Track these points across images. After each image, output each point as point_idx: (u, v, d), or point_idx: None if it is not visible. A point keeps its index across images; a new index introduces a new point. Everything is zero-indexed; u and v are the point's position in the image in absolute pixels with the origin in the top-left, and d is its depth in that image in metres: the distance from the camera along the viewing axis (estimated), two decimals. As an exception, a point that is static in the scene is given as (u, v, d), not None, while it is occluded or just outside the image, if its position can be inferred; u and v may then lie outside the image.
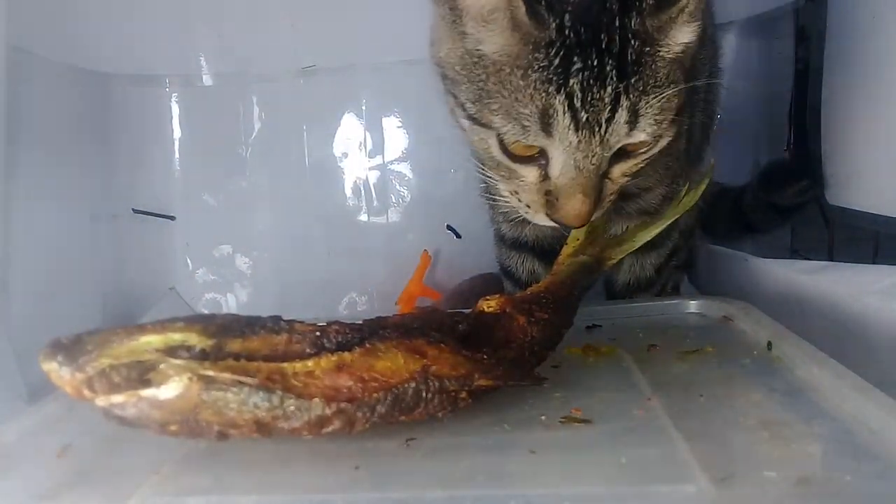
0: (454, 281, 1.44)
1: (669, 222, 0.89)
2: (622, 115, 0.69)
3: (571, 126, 0.69)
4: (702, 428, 0.59)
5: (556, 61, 0.68)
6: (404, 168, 1.50)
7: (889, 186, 0.94)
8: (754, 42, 1.40)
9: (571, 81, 0.67)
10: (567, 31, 0.68)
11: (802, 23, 1.22)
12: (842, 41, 1.02)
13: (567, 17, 0.68)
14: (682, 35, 0.71)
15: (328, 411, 0.55)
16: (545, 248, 1.10)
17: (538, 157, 0.73)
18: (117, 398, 0.54)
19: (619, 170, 0.75)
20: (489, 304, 0.69)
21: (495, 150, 0.75)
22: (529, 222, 1.06)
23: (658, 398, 0.64)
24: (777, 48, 1.31)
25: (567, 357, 0.75)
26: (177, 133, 1.46)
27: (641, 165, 0.76)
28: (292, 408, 0.54)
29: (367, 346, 0.57)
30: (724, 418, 0.61)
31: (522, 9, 0.67)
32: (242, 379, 0.54)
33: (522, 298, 0.71)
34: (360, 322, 0.62)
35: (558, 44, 0.68)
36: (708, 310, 0.90)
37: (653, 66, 0.70)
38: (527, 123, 0.70)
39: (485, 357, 0.61)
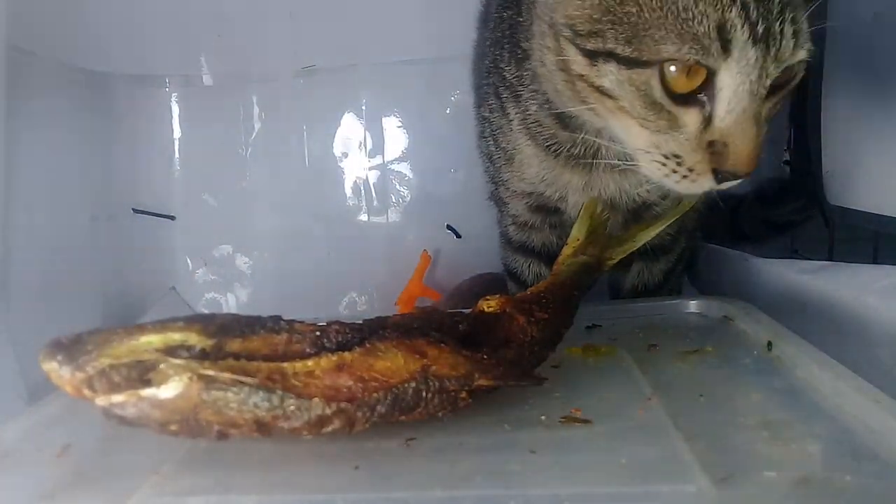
0: (454, 281, 1.44)
1: (669, 222, 0.89)
2: (789, 27, 0.66)
3: (750, 39, 0.64)
4: (702, 428, 0.59)
5: None
6: (404, 168, 1.50)
7: (889, 186, 0.94)
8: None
9: None
10: None
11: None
12: (842, 41, 1.02)
13: None
14: None
15: (328, 411, 0.55)
16: (552, 253, 1.09)
17: (699, 97, 0.67)
18: (117, 398, 0.54)
19: (767, 108, 0.70)
20: (489, 304, 0.69)
21: (657, 91, 0.68)
22: (537, 229, 1.06)
23: (658, 398, 0.64)
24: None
25: (567, 357, 0.75)
26: (177, 133, 1.47)
27: (780, 106, 0.72)
28: (292, 407, 0.54)
29: (367, 345, 0.57)
30: (724, 418, 0.61)
31: None
32: (242, 379, 0.54)
33: (522, 298, 0.71)
34: (360, 322, 0.62)
35: None
36: (708, 310, 0.90)
37: None
38: (706, 41, 0.64)
39: (485, 357, 0.61)
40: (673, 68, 0.67)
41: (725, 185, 0.71)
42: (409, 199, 1.51)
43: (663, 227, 0.89)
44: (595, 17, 0.70)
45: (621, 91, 0.70)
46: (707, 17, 0.64)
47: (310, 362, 0.56)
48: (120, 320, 1.23)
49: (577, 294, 0.77)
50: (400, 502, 0.52)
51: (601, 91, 0.72)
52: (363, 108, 1.48)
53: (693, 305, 0.91)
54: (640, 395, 0.66)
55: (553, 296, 0.73)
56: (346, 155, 1.49)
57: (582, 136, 0.86)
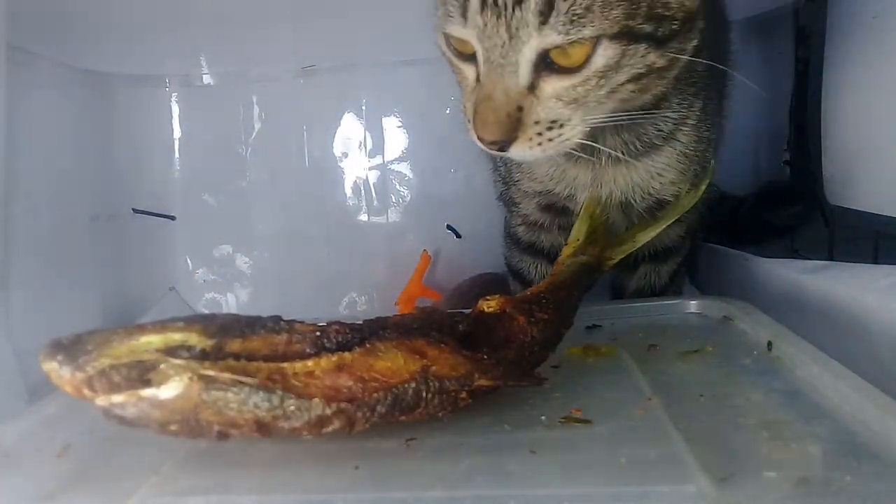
0: (454, 281, 1.44)
1: (669, 223, 0.89)
2: (531, 2, 0.66)
3: (479, 7, 0.68)
4: (702, 428, 0.59)
5: None
6: (404, 168, 1.50)
7: (889, 186, 0.94)
8: (754, 42, 1.40)
9: None
10: None
11: (802, 23, 1.22)
12: (842, 41, 1.02)
13: None
14: None
15: (328, 411, 0.55)
16: (558, 255, 1.09)
17: (474, 55, 0.72)
18: (117, 398, 0.54)
19: (551, 87, 0.70)
20: (489, 305, 0.69)
21: (444, 46, 0.76)
22: (546, 229, 1.06)
23: (658, 398, 0.64)
24: (777, 48, 1.31)
25: (567, 357, 0.75)
26: (177, 133, 1.47)
27: (578, 91, 0.70)
28: (292, 408, 0.54)
29: (367, 346, 0.57)
30: (725, 418, 0.61)
31: None
32: (242, 379, 0.54)
33: (522, 299, 0.71)
34: (360, 322, 0.62)
35: None
36: (708, 310, 0.89)
37: None
38: (451, 9, 0.71)
39: (485, 357, 0.61)
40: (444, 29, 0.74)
41: (484, 147, 0.74)
42: (409, 199, 1.50)
43: (663, 227, 0.89)
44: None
45: (439, 40, 0.78)
46: None
47: (310, 362, 0.56)
48: (120, 320, 1.23)
49: (577, 294, 0.77)
50: (400, 502, 0.52)
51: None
52: (363, 108, 1.48)
53: (693, 305, 0.91)
54: (640, 395, 0.66)
55: (553, 296, 0.73)
56: (346, 155, 1.49)
57: None
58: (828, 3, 1.04)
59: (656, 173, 0.90)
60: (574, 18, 0.66)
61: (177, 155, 1.47)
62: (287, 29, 1.42)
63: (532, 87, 0.70)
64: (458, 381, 0.58)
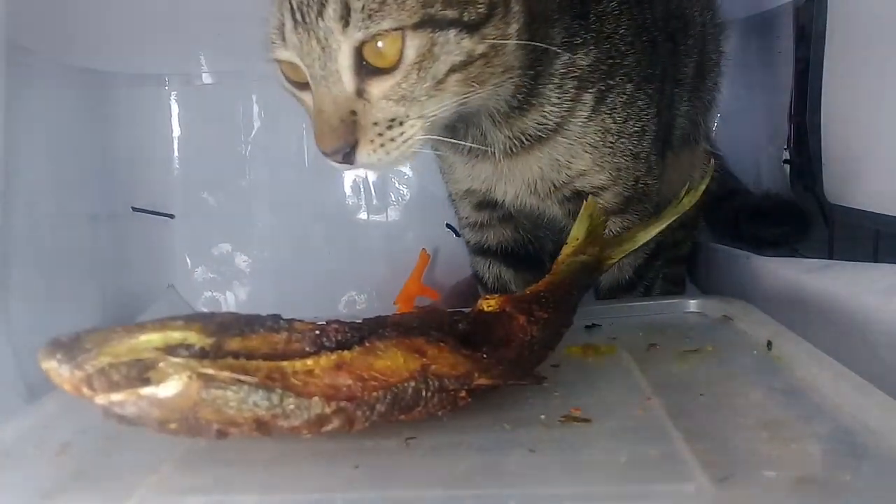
0: (453, 280, 1.44)
1: (669, 222, 0.89)
2: (331, 7, 0.69)
3: (289, 26, 0.71)
4: (702, 427, 0.59)
5: None
6: (404, 167, 1.49)
7: (889, 185, 0.93)
8: (755, 40, 1.40)
9: None
10: None
11: (803, 21, 1.22)
12: (842, 40, 1.02)
13: None
14: None
15: (328, 410, 0.55)
16: (509, 252, 1.10)
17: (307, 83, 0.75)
18: (117, 396, 0.54)
19: (376, 89, 0.72)
20: (489, 303, 0.69)
21: (284, 83, 0.79)
22: (488, 226, 1.08)
23: (658, 397, 0.64)
24: (777, 47, 1.31)
25: (567, 356, 0.75)
26: (176, 131, 1.46)
27: (403, 88, 0.72)
28: (292, 406, 0.54)
29: (367, 344, 0.57)
30: (724, 418, 0.61)
31: None
32: (242, 377, 0.54)
33: (522, 297, 0.71)
34: (360, 321, 0.62)
35: None
36: (708, 309, 0.89)
37: None
38: (274, 36, 0.74)
39: (484, 356, 0.61)
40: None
41: (331, 162, 0.75)
42: (408, 197, 1.50)
43: (663, 226, 0.89)
44: None
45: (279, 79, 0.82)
46: (274, 14, 0.74)
47: (309, 361, 0.56)
48: (119, 319, 1.23)
49: (576, 293, 0.77)
50: (399, 501, 0.52)
51: None
52: (363, 106, 1.48)
53: (693, 305, 0.91)
54: (639, 394, 0.66)
55: (553, 295, 0.73)
56: (345, 153, 1.49)
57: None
58: (828, 2, 1.04)
59: (563, 164, 0.92)
60: (370, 14, 0.69)
61: (176, 153, 1.47)
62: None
63: (360, 92, 0.72)
64: (457, 380, 0.58)
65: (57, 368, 0.54)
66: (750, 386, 0.67)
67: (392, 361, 0.57)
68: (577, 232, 0.83)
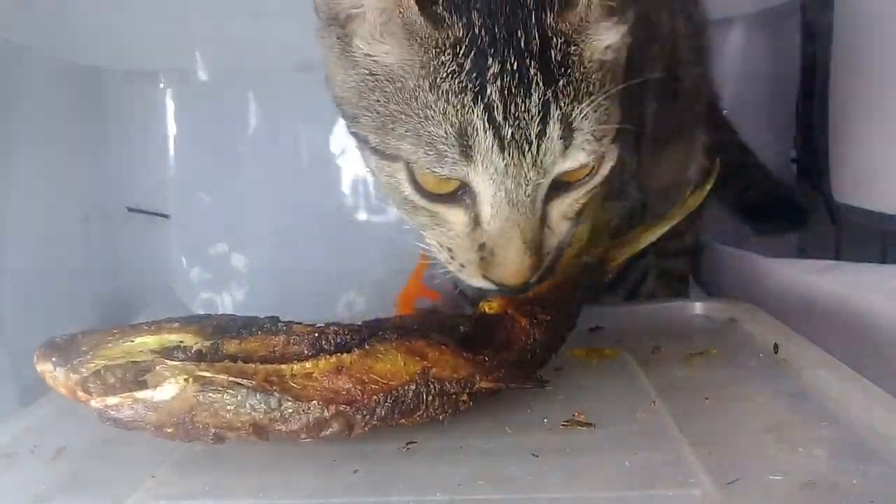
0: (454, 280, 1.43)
1: (674, 223, 0.88)
2: (555, 129, 0.58)
3: (495, 145, 0.58)
4: (707, 431, 0.58)
5: (468, 65, 0.57)
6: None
7: (896, 185, 0.93)
8: (761, 37, 1.39)
9: (489, 89, 0.57)
10: (476, 30, 0.58)
11: (809, 18, 1.22)
12: (849, 37, 1.01)
13: (475, 14, 0.58)
14: (605, 35, 0.62)
15: (327, 414, 0.54)
16: None
17: (461, 195, 0.62)
18: (112, 400, 0.54)
19: (558, 210, 0.64)
20: (490, 306, 0.68)
21: (406, 188, 0.64)
22: None
23: (662, 401, 0.64)
24: (784, 44, 1.31)
25: (570, 359, 0.75)
26: (171, 129, 1.45)
27: (584, 202, 0.65)
28: (290, 410, 0.54)
29: (367, 347, 0.57)
30: (730, 421, 0.61)
31: (415, 8, 0.58)
32: (239, 380, 0.53)
33: (524, 300, 0.70)
34: (359, 323, 0.61)
35: (467, 43, 0.58)
36: (713, 312, 0.89)
37: (582, 69, 0.60)
38: (442, 147, 0.59)
39: (486, 359, 0.60)
40: (419, 169, 0.61)
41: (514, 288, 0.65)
42: (408, 197, 1.49)
43: (667, 227, 0.88)
44: (353, 100, 0.65)
45: (381, 178, 0.67)
46: (447, 117, 0.58)
47: (308, 364, 0.55)
48: (114, 321, 1.21)
49: (579, 296, 0.77)
50: (400, 507, 0.52)
51: (372, 172, 0.69)
52: (362, 104, 1.47)
53: (698, 307, 0.91)
54: (644, 398, 0.65)
55: (555, 297, 0.72)
56: (343, 152, 1.48)
57: None
58: (835, 3, 1.04)
59: None
60: (594, 134, 0.60)
61: (171, 152, 1.46)
62: (283, 24, 1.41)
63: (544, 218, 0.63)
64: (458, 384, 0.58)
65: (52, 371, 0.54)
66: (756, 389, 0.66)
67: (392, 364, 0.56)
68: (581, 233, 0.82)
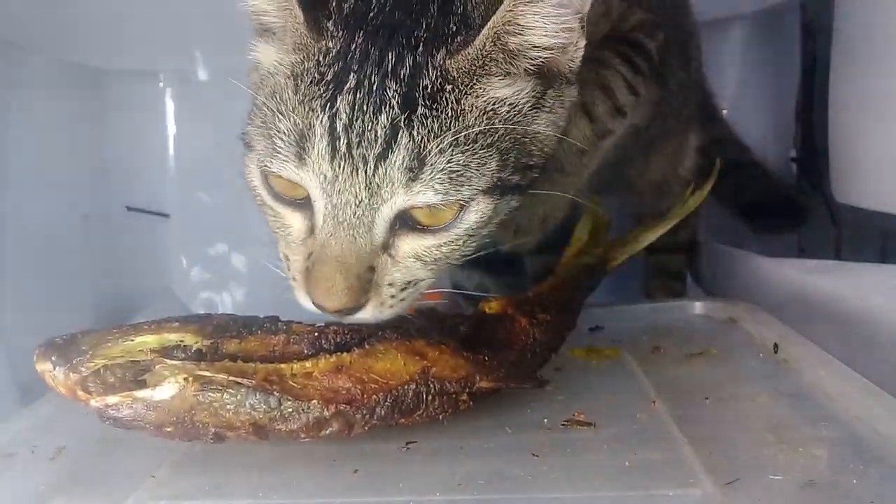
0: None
1: (674, 223, 0.88)
2: (399, 155, 0.56)
3: (327, 153, 0.57)
4: (707, 431, 0.58)
5: (329, 75, 0.58)
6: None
7: (896, 185, 0.93)
8: (761, 37, 1.39)
9: (339, 99, 0.57)
10: (352, 46, 0.58)
11: (809, 18, 1.22)
12: (849, 36, 1.01)
13: (359, 32, 0.59)
14: (499, 89, 0.60)
15: (326, 413, 0.54)
16: (490, 259, 1.06)
17: (307, 203, 0.60)
18: (112, 399, 0.54)
19: (409, 247, 0.61)
20: (490, 306, 0.68)
21: (256, 181, 0.64)
22: None
23: (662, 401, 0.64)
24: (784, 43, 1.30)
25: (570, 359, 0.75)
26: (171, 129, 1.45)
27: (442, 251, 0.61)
28: (290, 410, 0.54)
29: (366, 347, 0.57)
30: (730, 421, 0.61)
31: (301, 17, 0.59)
32: (239, 380, 0.53)
33: (524, 300, 0.70)
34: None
35: (335, 55, 0.59)
36: (713, 312, 0.89)
37: (456, 109, 0.58)
38: (280, 143, 0.58)
39: (486, 359, 0.60)
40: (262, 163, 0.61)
41: (335, 315, 0.61)
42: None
43: (668, 227, 0.88)
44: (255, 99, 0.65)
45: (244, 169, 0.68)
46: (294, 116, 0.58)
47: (308, 363, 0.55)
48: (114, 320, 1.21)
49: (579, 295, 0.77)
50: (400, 506, 0.52)
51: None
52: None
53: (698, 307, 0.91)
54: (643, 397, 0.65)
55: (555, 297, 0.72)
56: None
57: None
58: (835, 2, 1.04)
59: None
60: (452, 176, 0.57)
61: (171, 152, 1.46)
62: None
63: (386, 247, 0.60)
64: (458, 383, 0.58)
65: (52, 371, 0.54)
66: (756, 389, 0.66)
67: (392, 364, 0.56)
68: (581, 233, 0.83)
